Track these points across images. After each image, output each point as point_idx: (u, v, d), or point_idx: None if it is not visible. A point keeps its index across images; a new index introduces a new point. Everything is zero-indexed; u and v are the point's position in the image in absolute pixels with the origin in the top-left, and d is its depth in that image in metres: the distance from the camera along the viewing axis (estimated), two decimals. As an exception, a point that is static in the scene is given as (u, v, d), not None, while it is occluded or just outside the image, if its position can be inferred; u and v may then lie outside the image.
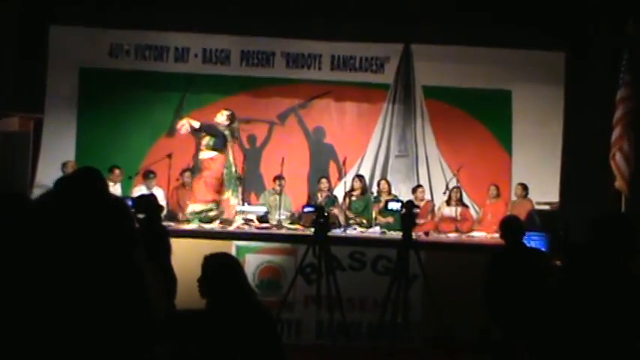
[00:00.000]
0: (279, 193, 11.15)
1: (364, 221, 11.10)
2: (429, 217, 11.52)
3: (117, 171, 11.40)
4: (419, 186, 11.95)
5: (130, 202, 6.45)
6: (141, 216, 6.29)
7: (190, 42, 12.81)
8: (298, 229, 10.33)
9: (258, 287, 8.38)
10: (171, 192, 11.37)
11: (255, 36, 12.68)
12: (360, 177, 11.76)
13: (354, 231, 10.48)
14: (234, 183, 10.51)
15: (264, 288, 8.67)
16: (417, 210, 8.42)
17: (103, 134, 12.45)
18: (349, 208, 11.32)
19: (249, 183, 11.84)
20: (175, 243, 6.63)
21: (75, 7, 12.06)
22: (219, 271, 4.13)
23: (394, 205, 8.14)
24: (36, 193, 9.75)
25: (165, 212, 9.77)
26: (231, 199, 10.53)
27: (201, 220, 10.01)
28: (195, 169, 10.74)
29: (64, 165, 11.31)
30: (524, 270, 6.18)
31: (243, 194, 11.16)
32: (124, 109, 12.59)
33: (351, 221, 10.99)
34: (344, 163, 12.11)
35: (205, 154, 10.27)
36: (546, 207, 11.12)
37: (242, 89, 12.81)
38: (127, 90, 12.60)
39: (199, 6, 11.94)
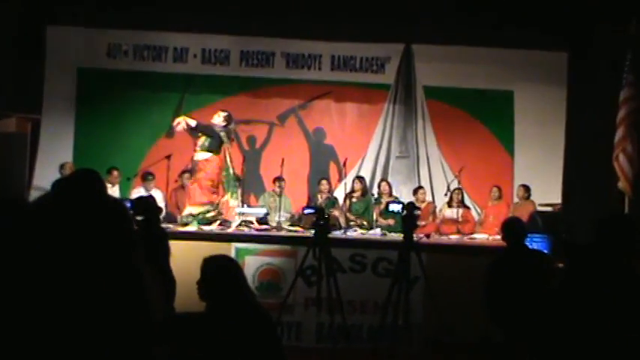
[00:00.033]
0: (279, 195, 11.15)
1: (365, 223, 11.10)
2: (430, 218, 11.52)
3: (115, 172, 11.41)
4: (420, 187, 11.96)
5: (128, 204, 6.45)
6: (139, 218, 6.28)
7: (189, 42, 12.82)
8: (298, 230, 10.33)
9: (257, 289, 8.37)
10: (170, 194, 11.38)
11: (254, 36, 12.68)
12: (360, 178, 11.76)
13: (355, 233, 10.49)
14: (233, 184, 10.50)
15: (264, 290, 8.66)
16: (418, 212, 8.42)
17: (101, 135, 12.45)
18: (350, 209, 11.32)
19: (248, 184, 11.84)
20: (174, 245, 6.63)
21: (73, 7, 12.06)
22: (219, 273, 4.13)
23: (395, 207, 8.14)
24: (34, 195, 9.76)
25: (164, 214, 9.77)
26: (231, 200, 10.53)
27: (199, 222, 10.00)
28: (192, 172, 10.71)
29: (61, 166, 11.33)
30: (526, 272, 6.18)
31: (242, 196, 11.16)
32: (123, 110, 12.59)
33: (352, 223, 11.00)
34: (344, 164, 12.11)
35: (200, 156, 10.25)
36: (548, 208, 11.12)
37: (241, 90, 12.81)
38: (125, 90, 12.60)
39: (198, 6, 11.94)
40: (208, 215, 10.17)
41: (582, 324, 3.70)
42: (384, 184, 11.87)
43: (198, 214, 10.08)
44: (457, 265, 8.71)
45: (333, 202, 11.47)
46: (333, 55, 12.88)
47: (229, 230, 9.94)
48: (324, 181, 11.67)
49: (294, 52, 12.88)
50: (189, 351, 3.94)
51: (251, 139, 12.94)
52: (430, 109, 12.92)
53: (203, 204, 10.15)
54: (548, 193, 11.73)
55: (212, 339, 3.96)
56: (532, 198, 11.56)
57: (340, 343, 8.16)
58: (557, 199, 11.71)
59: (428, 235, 10.26)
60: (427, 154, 12.88)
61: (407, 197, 11.49)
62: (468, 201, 11.95)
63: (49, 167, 11.52)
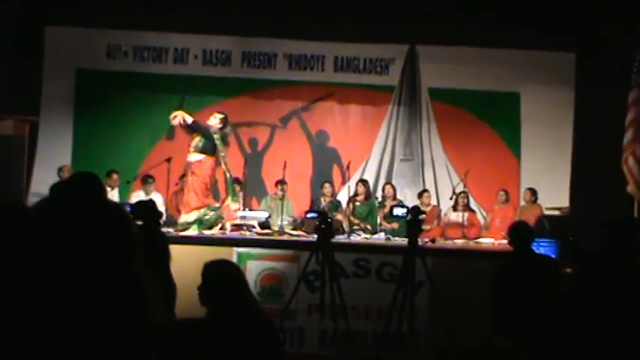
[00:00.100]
0: (282, 198, 11.15)
1: (369, 227, 11.11)
2: (435, 222, 11.53)
3: (114, 175, 11.42)
4: (425, 191, 11.97)
5: (128, 208, 6.45)
6: (139, 222, 6.28)
7: (190, 43, 12.83)
8: (301, 235, 10.33)
9: (259, 295, 8.37)
10: (170, 197, 11.38)
11: (256, 37, 12.70)
12: (363, 181, 11.77)
13: (359, 237, 10.49)
14: (232, 187, 10.52)
15: (266, 296, 8.66)
16: (423, 216, 8.42)
17: (100, 138, 12.47)
18: (353, 213, 11.33)
19: (250, 188, 11.84)
20: (174, 250, 6.64)
21: (72, 7, 12.07)
22: (220, 278, 4.13)
23: (400, 211, 8.12)
24: (31, 199, 9.76)
25: (164, 218, 9.76)
26: (231, 204, 10.54)
27: (200, 227, 10.01)
28: (185, 173, 10.64)
29: (60, 169, 11.33)
30: (534, 277, 6.17)
31: (244, 199, 11.16)
32: (122, 112, 12.60)
33: (355, 227, 10.99)
34: (348, 167, 12.10)
35: (193, 157, 10.20)
36: (556, 212, 11.10)
37: (243, 91, 12.82)
38: (124, 92, 12.62)
39: (199, 6, 11.95)
40: (207, 218, 10.15)
41: (594, 331, 3.70)
42: (388, 187, 11.87)
43: (195, 220, 10.06)
44: (463, 269, 8.70)
45: (336, 205, 11.48)
46: (336, 56, 12.89)
47: (228, 230, 9.96)
48: (327, 185, 11.68)
49: (297, 53, 12.89)
50: (189, 357, 3.94)
51: (253, 142, 12.95)
52: (435, 111, 12.93)
53: (198, 208, 10.12)
54: (555, 196, 11.73)
55: (213, 345, 3.96)
56: (539, 201, 11.57)
57: (344, 350, 8.15)
58: (565, 202, 11.70)
59: (433, 240, 10.24)
60: (432, 156, 12.88)
61: (411, 201, 11.48)
62: (473, 204, 11.95)
63: (48, 170, 11.52)
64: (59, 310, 2.38)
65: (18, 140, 11.40)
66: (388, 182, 12.32)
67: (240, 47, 12.85)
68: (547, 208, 11.26)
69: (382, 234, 10.77)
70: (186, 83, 12.52)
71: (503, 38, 12.17)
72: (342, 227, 10.92)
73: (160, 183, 11.40)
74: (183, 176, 11.44)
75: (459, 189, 11.66)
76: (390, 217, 10.41)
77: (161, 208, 10.05)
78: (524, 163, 12.76)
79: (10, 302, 2.38)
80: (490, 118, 12.83)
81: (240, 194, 11.17)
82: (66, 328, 2.37)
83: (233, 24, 12.33)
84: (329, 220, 8.13)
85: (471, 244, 10.67)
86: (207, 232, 9.94)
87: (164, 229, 8.44)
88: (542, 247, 8.34)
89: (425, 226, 10.11)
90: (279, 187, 11.34)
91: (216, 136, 10.17)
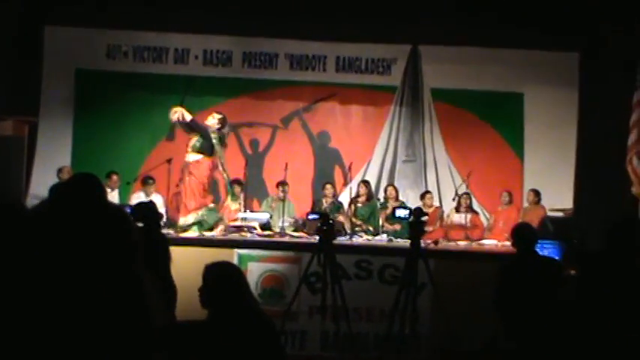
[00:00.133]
0: (283, 200, 11.14)
1: (370, 228, 11.10)
2: (438, 224, 11.52)
3: (114, 177, 11.42)
4: (427, 192, 11.97)
5: (128, 210, 6.46)
6: (139, 224, 6.28)
7: (190, 43, 12.84)
8: (302, 236, 10.33)
9: (260, 297, 8.36)
10: (170, 198, 11.36)
11: (257, 37, 12.70)
12: (365, 182, 11.76)
13: (360, 239, 10.48)
14: (230, 187, 10.52)
15: (267, 297, 8.66)
16: (426, 217, 8.42)
17: (100, 138, 12.48)
18: (355, 214, 11.32)
19: (251, 189, 11.83)
20: (175, 251, 6.64)
21: (72, 7, 12.08)
22: (221, 280, 4.13)
23: (402, 213, 8.12)
24: (31, 202, 9.77)
25: (164, 219, 9.77)
26: (231, 204, 10.56)
27: (200, 228, 10.02)
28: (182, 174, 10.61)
29: (59, 170, 11.33)
30: (537, 279, 6.16)
31: (245, 201, 11.16)
32: (122, 113, 12.61)
33: (357, 228, 10.99)
34: (349, 168, 12.08)
35: (191, 157, 10.21)
36: (560, 214, 11.10)
37: (244, 92, 12.83)
38: (124, 93, 12.63)
39: (199, 6, 11.96)
40: (205, 219, 10.16)
41: (596, 332, 3.70)
42: (390, 188, 11.87)
43: (194, 222, 10.06)
44: (465, 271, 8.69)
45: (338, 207, 11.47)
46: (337, 56, 12.90)
47: (229, 231, 9.98)
48: (328, 186, 11.67)
49: (298, 53, 12.90)
50: (190, 358, 3.95)
51: (254, 143, 12.95)
52: (438, 112, 12.93)
53: (196, 210, 10.12)
54: (559, 197, 11.73)
55: (214, 347, 3.96)
56: (542, 203, 11.55)
57: (346, 352, 8.15)
58: (569, 204, 11.71)
59: (436, 242, 10.25)
60: (434, 157, 12.88)
61: (414, 202, 11.48)
62: (476, 206, 11.95)
63: (47, 171, 11.52)
64: (59, 311, 2.38)
65: (17, 141, 11.43)
66: (390, 183, 12.32)
67: (241, 47, 12.85)
68: (550, 210, 11.25)
69: (384, 235, 10.77)
70: (187, 84, 12.45)
71: (506, 38, 12.16)
72: (344, 229, 10.92)
73: (160, 184, 11.39)
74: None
75: (462, 190, 11.65)
76: (392, 218, 10.42)
77: (161, 209, 10.06)
78: (527, 164, 12.75)
79: (10, 304, 2.39)
80: (493, 119, 12.83)
81: (241, 195, 11.17)
82: (66, 329, 2.38)
83: (234, 24, 12.34)
84: (330, 221, 8.13)
85: (474, 245, 10.66)
86: (207, 234, 9.94)
87: (164, 231, 8.44)
88: (546, 249, 8.32)
89: (427, 228, 10.10)
90: (281, 188, 11.34)
91: (213, 136, 10.17)
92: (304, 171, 12.72)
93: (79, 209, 2.63)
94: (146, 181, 11.49)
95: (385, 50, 12.88)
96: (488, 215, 12.23)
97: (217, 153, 10.22)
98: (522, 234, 6.59)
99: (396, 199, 11.63)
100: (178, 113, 10.10)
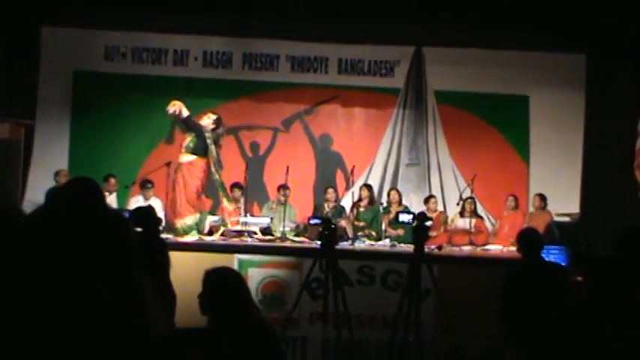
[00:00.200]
0: (284, 204, 11.13)
1: (373, 233, 11.09)
2: (442, 229, 11.51)
3: (112, 180, 11.41)
4: (431, 196, 11.95)
5: (126, 214, 6.46)
6: (138, 229, 6.29)
7: (190, 44, 12.85)
8: (304, 241, 10.32)
9: (261, 303, 8.37)
10: (169, 203, 11.36)
11: (258, 38, 12.70)
12: (367, 186, 11.75)
13: (363, 244, 10.48)
14: (224, 188, 10.55)
15: (268, 304, 8.67)
16: (430, 222, 8.42)
17: (97, 141, 12.49)
18: (357, 218, 11.31)
19: (251, 193, 11.82)
20: (174, 256, 6.64)
21: (69, 8, 12.08)
22: (221, 286, 4.13)
23: (405, 217, 8.12)
24: (27, 207, 9.77)
25: (163, 224, 9.77)
26: (227, 205, 10.57)
27: (200, 232, 10.03)
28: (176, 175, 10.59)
29: (56, 174, 11.33)
30: (543, 286, 6.16)
31: (245, 205, 11.16)
32: (120, 115, 12.61)
33: (360, 233, 10.97)
34: (352, 172, 12.03)
35: (184, 158, 10.23)
36: (566, 219, 11.10)
37: (244, 94, 12.83)
38: (123, 95, 12.63)
39: (199, 6, 11.96)
40: (210, 221, 10.19)
41: (607, 340, 3.70)
42: (393, 192, 11.85)
43: (192, 225, 10.08)
44: (470, 277, 8.68)
45: (340, 211, 11.46)
46: (340, 57, 12.91)
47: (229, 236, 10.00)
48: (330, 190, 11.66)
49: (300, 55, 12.90)
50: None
51: (254, 146, 12.95)
52: (441, 115, 12.93)
53: (192, 213, 10.14)
54: (565, 202, 11.72)
55: (214, 354, 3.96)
56: (548, 208, 11.54)
57: (347, 360, 8.15)
58: (575, 208, 11.70)
59: (440, 247, 10.23)
60: (438, 161, 12.88)
61: (417, 206, 11.48)
62: (481, 210, 11.94)
63: (44, 175, 11.53)
64: (57, 318, 2.38)
65: (13, 144, 11.43)
66: (393, 187, 12.31)
67: (242, 49, 12.86)
68: (557, 215, 11.25)
69: (387, 240, 10.76)
70: (186, 86, 12.55)
71: (511, 40, 12.16)
72: (346, 234, 10.92)
73: (159, 188, 11.38)
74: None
75: (466, 194, 11.64)
76: (395, 223, 10.40)
77: (160, 213, 10.05)
78: (533, 168, 12.75)
79: (7, 311, 2.39)
80: (498, 122, 12.83)
81: (242, 199, 11.17)
82: (64, 336, 2.38)
83: (234, 25, 12.35)
84: (333, 226, 8.12)
85: (479, 251, 10.65)
86: (207, 239, 9.94)
87: (163, 236, 8.45)
88: (552, 255, 8.32)
89: (431, 233, 10.12)
90: (282, 192, 11.33)
91: (207, 136, 10.19)
92: (306, 175, 12.72)
93: (76, 214, 2.64)
94: (145, 185, 11.48)
95: (388, 52, 12.88)
96: (493, 220, 12.22)
97: (211, 153, 10.24)
98: (528, 239, 6.59)
99: (400, 203, 11.62)
100: (176, 107, 10.12)
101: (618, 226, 4.64)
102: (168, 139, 12.37)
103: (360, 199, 11.52)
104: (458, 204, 11.58)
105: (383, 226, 11.38)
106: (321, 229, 8.04)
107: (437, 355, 8.48)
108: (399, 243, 10.56)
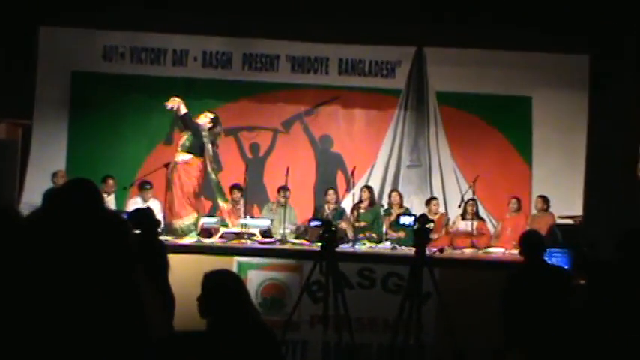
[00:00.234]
0: (284, 206, 11.13)
1: (374, 236, 11.08)
2: (443, 231, 11.51)
3: (110, 181, 11.41)
4: (432, 198, 11.95)
5: (124, 216, 6.47)
6: (136, 231, 6.29)
7: (189, 44, 12.84)
8: (304, 243, 10.32)
9: (261, 306, 8.38)
10: (168, 204, 11.36)
11: (257, 38, 12.71)
12: (367, 187, 11.74)
13: (364, 246, 10.48)
14: (219, 188, 10.56)
15: (268, 306, 8.67)
16: (431, 224, 8.41)
17: (96, 142, 12.49)
18: (357, 220, 11.30)
19: (251, 195, 11.81)
20: (173, 259, 6.65)
21: (67, 7, 12.07)
22: (220, 289, 4.13)
23: (407, 220, 8.10)
24: (24, 209, 9.77)
25: (162, 226, 9.77)
26: (223, 205, 10.59)
27: (199, 233, 10.04)
28: (172, 174, 10.57)
29: (54, 175, 11.34)
30: (545, 289, 6.16)
31: (244, 206, 11.16)
32: (119, 116, 12.61)
33: (361, 234, 10.96)
34: (352, 173, 12.03)
35: (180, 157, 10.24)
36: (569, 221, 11.09)
37: (244, 95, 12.83)
38: (121, 95, 12.63)
39: (199, 6, 11.96)
40: (210, 222, 10.21)
41: (609, 342, 3.71)
42: (394, 194, 11.85)
43: (190, 226, 10.08)
44: (472, 280, 8.69)
45: (340, 213, 11.46)
46: (340, 58, 12.90)
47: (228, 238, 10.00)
48: (331, 192, 11.65)
49: (300, 55, 12.90)
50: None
51: (254, 147, 12.95)
52: (443, 116, 12.92)
53: (189, 214, 10.16)
54: (568, 204, 11.70)
55: (213, 357, 3.96)
56: (551, 210, 11.54)
57: (348, 363, 8.15)
58: (578, 211, 11.68)
59: (441, 250, 10.22)
60: (440, 163, 12.88)
61: (418, 208, 11.49)
62: (482, 213, 11.93)
63: (41, 176, 11.54)
64: (55, 320, 2.39)
65: (10, 145, 11.46)
66: (394, 189, 12.30)
67: (241, 49, 12.85)
68: (559, 217, 11.24)
69: (388, 243, 10.76)
70: (186, 86, 12.53)
71: (513, 40, 12.16)
72: (347, 236, 10.91)
73: (157, 189, 11.38)
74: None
75: (468, 196, 11.63)
76: (396, 225, 10.39)
77: (159, 215, 10.06)
78: (535, 170, 12.74)
79: (5, 313, 2.39)
80: (500, 123, 12.82)
81: (241, 201, 11.17)
82: (62, 338, 2.38)
83: (234, 25, 12.35)
84: (333, 228, 8.11)
85: (480, 253, 10.66)
86: (206, 240, 9.95)
87: (162, 238, 8.45)
88: (555, 258, 8.32)
89: (432, 235, 10.12)
90: (282, 193, 11.33)
91: (204, 134, 10.21)
92: (306, 176, 12.72)
93: (74, 215, 2.64)
94: (143, 187, 11.48)
95: (389, 52, 12.87)
96: (495, 222, 12.22)
97: (208, 153, 10.26)
98: (530, 242, 6.59)
99: (401, 205, 11.62)
100: (175, 103, 10.18)
101: (621, 228, 4.64)
102: (167, 140, 12.37)
103: (360, 201, 11.51)
104: (460, 206, 11.58)
105: (384, 229, 11.37)
106: (321, 231, 8.04)
107: (438, 358, 8.48)
108: (400, 245, 10.55)
